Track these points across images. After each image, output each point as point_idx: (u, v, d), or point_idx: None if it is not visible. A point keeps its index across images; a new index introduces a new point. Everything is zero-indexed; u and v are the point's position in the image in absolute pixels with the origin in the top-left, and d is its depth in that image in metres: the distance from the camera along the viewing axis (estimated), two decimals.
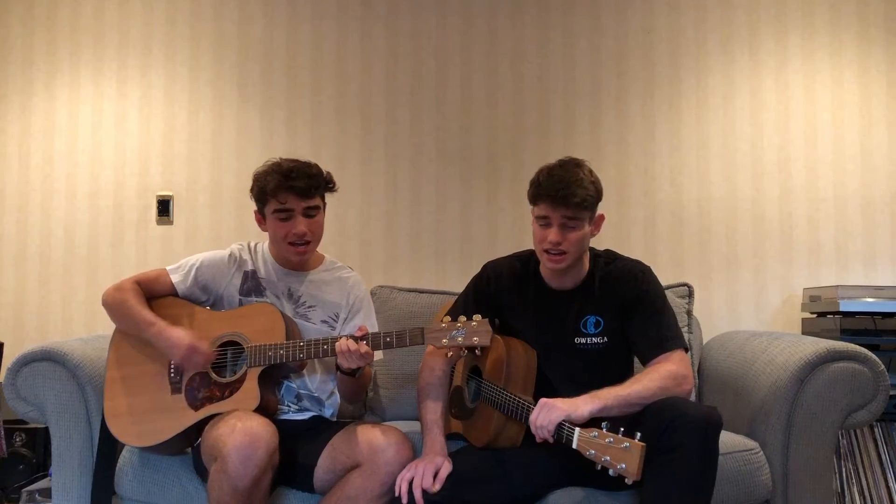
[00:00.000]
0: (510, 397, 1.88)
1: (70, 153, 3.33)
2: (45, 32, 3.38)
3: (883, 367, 2.07)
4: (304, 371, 2.14)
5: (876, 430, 2.75)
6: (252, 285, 2.17)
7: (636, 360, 2.02)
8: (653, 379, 1.79)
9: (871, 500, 2.69)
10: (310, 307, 2.18)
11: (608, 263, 2.02)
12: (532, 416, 1.74)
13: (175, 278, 2.14)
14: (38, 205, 3.33)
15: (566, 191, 1.86)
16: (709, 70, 3.23)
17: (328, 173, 2.15)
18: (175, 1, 3.35)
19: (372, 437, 1.91)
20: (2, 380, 2.67)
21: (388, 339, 1.90)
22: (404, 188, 3.26)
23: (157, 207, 3.28)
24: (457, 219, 3.24)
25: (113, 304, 2.08)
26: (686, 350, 1.91)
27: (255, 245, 2.25)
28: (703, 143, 3.21)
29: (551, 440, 1.72)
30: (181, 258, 2.21)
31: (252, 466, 1.75)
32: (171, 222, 3.29)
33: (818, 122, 3.19)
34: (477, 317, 1.85)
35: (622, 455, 1.58)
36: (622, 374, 1.92)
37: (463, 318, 1.86)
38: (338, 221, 3.25)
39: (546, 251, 1.92)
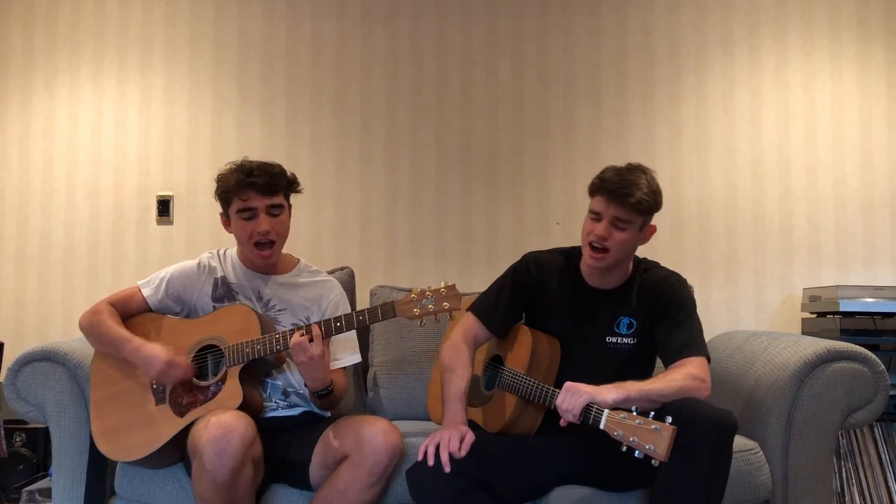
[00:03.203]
0: (533, 383, 1.92)
1: (70, 153, 3.33)
2: (45, 32, 3.38)
3: (883, 367, 2.07)
4: (286, 367, 2.14)
5: (876, 430, 2.75)
6: (223, 291, 2.18)
7: (656, 364, 2.06)
8: (674, 379, 1.82)
9: (871, 500, 2.68)
10: (279, 310, 2.18)
11: (647, 271, 2.08)
12: (558, 400, 1.76)
13: (146, 292, 2.15)
14: (38, 205, 3.33)
15: (624, 190, 1.89)
16: (709, 70, 3.23)
17: (292, 174, 2.16)
18: (175, 1, 3.35)
19: (359, 428, 1.92)
20: (2, 380, 2.67)
21: (360, 318, 1.95)
22: (404, 188, 3.26)
23: (157, 207, 3.28)
24: (457, 219, 3.24)
25: (89, 327, 2.08)
26: (708, 360, 1.93)
27: (225, 251, 2.26)
28: (703, 143, 3.21)
29: (577, 422, 1.73)
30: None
31: (228, 458, 1.75)
32: (171, 222, 3.29)
33: (818, 122, 3.18)
34: (445, 282, 1.90)
35: (651, 436, 1.60)
36: (644, 374, 1.95)
37: (431, 287, 1.91)
38: (338, 221, 3.25)
39: (590, 244, 1.96)
